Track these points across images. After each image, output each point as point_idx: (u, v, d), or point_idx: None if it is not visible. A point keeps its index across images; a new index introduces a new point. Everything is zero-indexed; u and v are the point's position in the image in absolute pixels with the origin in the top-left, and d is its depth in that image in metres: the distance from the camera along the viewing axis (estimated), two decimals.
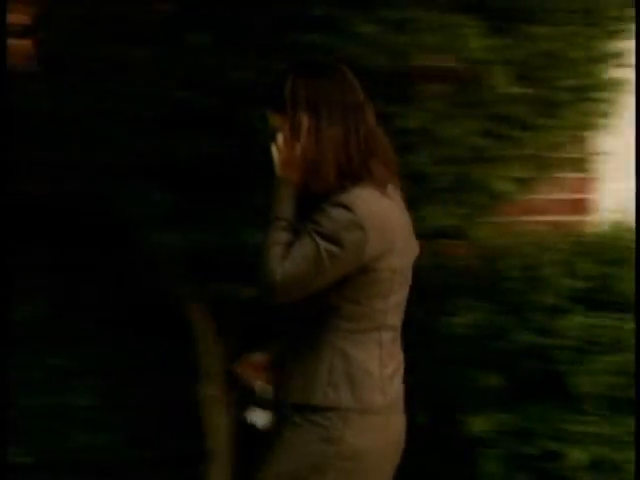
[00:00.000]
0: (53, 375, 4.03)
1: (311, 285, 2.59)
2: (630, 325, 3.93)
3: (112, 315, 4.21)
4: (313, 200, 2.62)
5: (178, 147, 3.71)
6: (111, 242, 4.17)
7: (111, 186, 3.73)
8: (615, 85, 4.17)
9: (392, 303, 2.73)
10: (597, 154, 5.01)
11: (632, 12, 4.10)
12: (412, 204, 2.90)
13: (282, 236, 2.61)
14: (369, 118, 2.71)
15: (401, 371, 2.80)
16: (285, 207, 2.65)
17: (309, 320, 2.68)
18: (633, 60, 4.45)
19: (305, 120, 2.64)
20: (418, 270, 2.87)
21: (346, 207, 2.59)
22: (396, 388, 2.77)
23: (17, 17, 4.29)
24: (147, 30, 3.69)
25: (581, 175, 5.27)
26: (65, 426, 4.00)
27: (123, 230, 3.99)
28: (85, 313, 4.19)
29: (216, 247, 3.79)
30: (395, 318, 2.76)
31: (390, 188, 2.72)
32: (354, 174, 2.65)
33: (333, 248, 2.57)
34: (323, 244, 2.56)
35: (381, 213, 2.64)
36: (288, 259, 2.57)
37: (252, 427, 2.86)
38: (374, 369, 2.70)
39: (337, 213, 2.58)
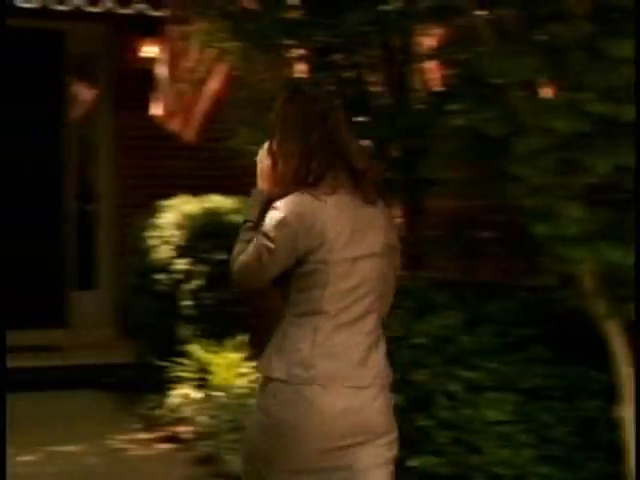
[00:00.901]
0: (468, 388, 4.09)
1: (260, 275, 3.13)
2: None
3: (524, 331, 4.21)
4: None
5: (594, 161, 3.67)
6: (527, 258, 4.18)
7: (531, 201, 3.73)
8: None
9: (330, 292, 3.10)
10: None
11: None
12: None
13: (246, 235, 3.13)
14: (340, 137, 3.15)
15: (350, 357, 3.09)
16: (254, 211, 3.17)
17: (281, 312, 3.15)
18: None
19: (277, 139, 3.17)
20: None
21: (277, 209, 3.07)
22: (330, 369, 3.05)
23: (428, 40, 4.49)
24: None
25: None
26: (478, 439, 4.04)
27: (533, 245, 4.00)
28: (497, 328, 4.23)
29: (631, 265, 3.69)
30: (333, 306, 3.10)
31: (341, 192, 3.12)
32: (309, 183, 3.10)
33: (268, 243, 3.05)
34: (262, 241, 3.06)
35: (309, 214, 3.06)
36: (243, 254, 3.11)
37: None
38: (304, 347, 3.07)
39: (271, 215, 3.07)
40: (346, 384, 3.06)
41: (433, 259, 5.20)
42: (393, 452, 3.16)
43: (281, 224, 3.03)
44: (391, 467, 3.16)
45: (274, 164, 3.17)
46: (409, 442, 4.16)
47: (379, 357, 3.16)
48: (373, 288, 3.15)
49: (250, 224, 3.15)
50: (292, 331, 3.10)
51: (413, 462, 4.14)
